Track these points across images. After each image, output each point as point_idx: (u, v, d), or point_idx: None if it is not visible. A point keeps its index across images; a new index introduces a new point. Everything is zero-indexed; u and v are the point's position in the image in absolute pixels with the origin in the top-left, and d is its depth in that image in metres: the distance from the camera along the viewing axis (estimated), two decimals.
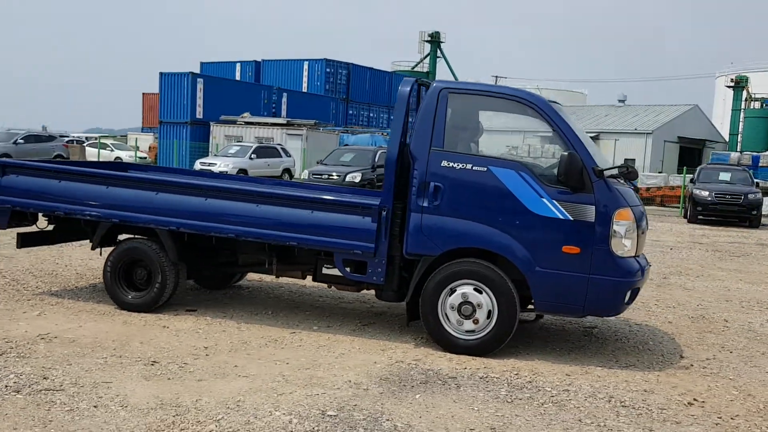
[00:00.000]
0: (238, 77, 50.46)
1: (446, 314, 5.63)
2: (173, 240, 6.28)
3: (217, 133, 36.64)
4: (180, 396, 4.43)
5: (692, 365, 5.77)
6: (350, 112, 50.51)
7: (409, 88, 5.85)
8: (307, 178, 20.00)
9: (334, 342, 5.83)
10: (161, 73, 39.29)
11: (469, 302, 5.56)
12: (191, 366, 5.00)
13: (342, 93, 49.97)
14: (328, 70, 49.25)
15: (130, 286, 6.46)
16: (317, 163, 21.82)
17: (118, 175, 6.50)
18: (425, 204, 5.66)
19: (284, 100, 43.51)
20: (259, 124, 35.95)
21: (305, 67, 49.91)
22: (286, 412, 4.24)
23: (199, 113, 38.42)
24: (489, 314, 5.54)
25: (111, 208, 6.32)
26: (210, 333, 5.87)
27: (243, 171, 26.19)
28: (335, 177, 19.23)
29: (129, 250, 6.44)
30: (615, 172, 5.66)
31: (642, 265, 5.68)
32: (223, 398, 4.42)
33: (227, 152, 28.30)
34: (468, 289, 5.56)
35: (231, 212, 6.08)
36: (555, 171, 5.50)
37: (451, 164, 5.62)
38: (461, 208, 5.61)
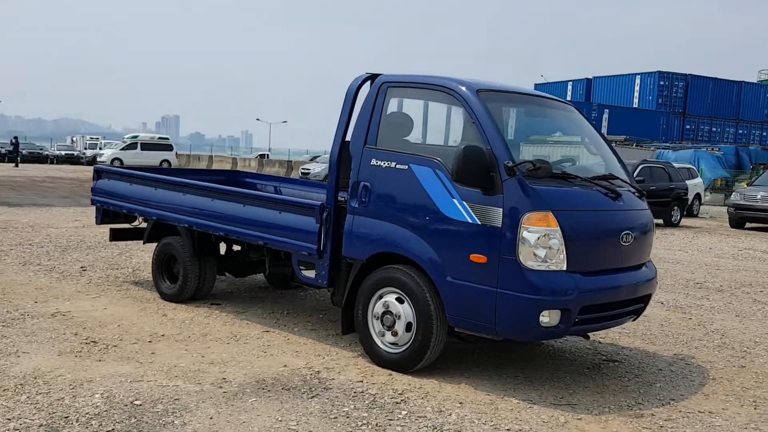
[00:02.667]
0: (569, 96, 49.85)
1: (374, 324, 5.24)
2: (189, 236, 6.79)
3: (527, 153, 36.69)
4: (59, 370, 4.83)
5: (653, 415, 4.55)
6: (687, 126, 46.71)
7: (358, 84, 5.58)
8: None
9: (279, 342, 5.77)
10: None
11: (390, 312, 5.10)
12: (115, 349, 5.39)
13: (678, 107, 46.44)
14: (661, 83, 46.34)
15: (170, 278, 7.10)
16: None
17: (157, 178, 7.21)
18: (356, 205, 5.35)
19: (605, 116, 41.93)
20: (566, 143, 35.10)
21: (637, 81, 47.62)
22: (104, 397, 4.37)
23: (510, 134, 38.92)
24: (409, 326, 5.01)
25: (154, 207, 7.06)
26: (191, 325, 6.19)
27: None
28: None
29: (165, 246, 7.11)
30: (557, 171, 4.78)
31: (585, 281, 4.65)
32: (87, 377, 4.68)
33: None
34: (391, 298, 5.10)
35: (220, 211, 6.38)
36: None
37: (378, 162, 5.25)
38: (385, 209, 5.19)
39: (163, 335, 5.82)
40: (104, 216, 7.83)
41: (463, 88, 4.98)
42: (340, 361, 5.32)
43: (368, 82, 5.58)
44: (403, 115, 5.50)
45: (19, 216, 13.72)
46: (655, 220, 17.37)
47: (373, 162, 5.25)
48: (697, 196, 24.05)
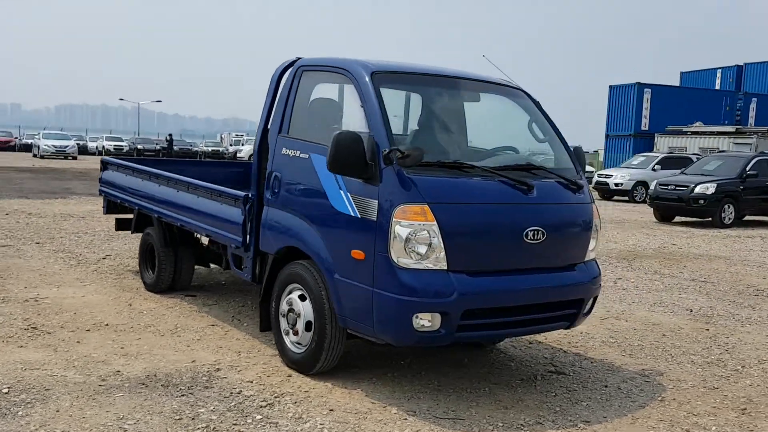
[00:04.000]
0: (717, 86, 46.46)
1: (281, 322, 4.99)
2: (160, 227, 6.82)
3: (661, 144, 34.72)
4: None
5: None
6: None
7: (281, 69, 5.33)
8: (653, 189, 17.81)
9: (214, 337, 5.63)
10: (611, 86, 39.02)
11: (292, 310, 4.83)
12: (47, 336, 5.45)
13: None
14: None
15: (152, 268, 7.16)
16: (680, 172, 19.14)
17: (141, 169, 7.27)
18: (269, 196, 5.12)
19: (752, 106, 38.66)
20: (704, 133, 32.82)
21: None
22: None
23: (645, 125, 37.00)
24: (308, 326, 4.71)
25: (137, 197, 7.16)
26: (145, 316, 6.19)
27: (642, 183, 24.54)
28: (681, 189, 16.74)
29: (146, 236, 7.18)
30: (449, 160, 4.33)
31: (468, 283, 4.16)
32: None
33: (631, 163, 26.77)
34: (295, 295, 4.83)
35: (177, 202, 6.35)
36: None
37: (287, 151, 4.99)
38: (291, 201, 4.93)
39: (107, 325, 5.85)
40: (110, 206, 8.03)
41: (358, 69, 4.60)
42: (252, 360, 5.11)
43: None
44: (328, 102, 5.19)
45: None
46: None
47: (284, 151, 5.00)
48: None
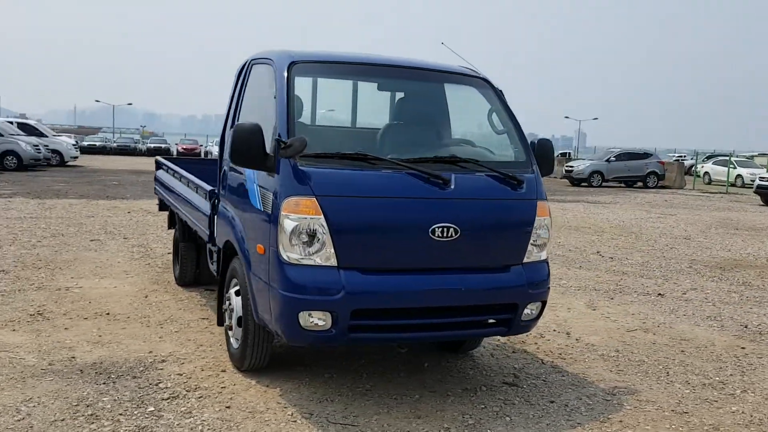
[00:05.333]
0: None
1: (225, 316, 5.00)
2: (179, 221, 7.08)
3: None
4: None
5: None
6: None
7: (241, 66, 5.33)
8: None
9: (192, 330, 5.74)
10: None
11: (231, 305, 4.84)
12: (44, 322, 5.81)
13: None
14: None
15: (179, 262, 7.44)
16: None
17: (166, 165, 7.57)
18: (220, 190, 5.16)
19: None
20: None
21: None
22: None
23: None
24: (240, 321, 4.70)
25: (170, 195, 7.50)
26: (149, 307, 6.45)
27: None
28: None
29: (175, 232, 7.48)
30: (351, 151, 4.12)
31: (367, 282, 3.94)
32: None
33: None
34: (232, 291, 4.83)
35: (183, 196, 6.56)
36: None
37: None
38: (231, 195, 4.93)
39: (107, 314, 6.15)
40: (162, 205, 8.45)
41: (280, 59, 4.49)
42: (205, 354, 5.16)
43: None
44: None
45: None
46: None
47: None
48: None
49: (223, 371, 4.78)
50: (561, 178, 32.74)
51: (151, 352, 5.15)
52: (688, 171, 39.55)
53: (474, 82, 4.87)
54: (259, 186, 4.26)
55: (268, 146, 4.10)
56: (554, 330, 6.20)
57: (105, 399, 4.21)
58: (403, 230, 4.02)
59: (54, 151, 29.64)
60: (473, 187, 4.21)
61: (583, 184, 30.58)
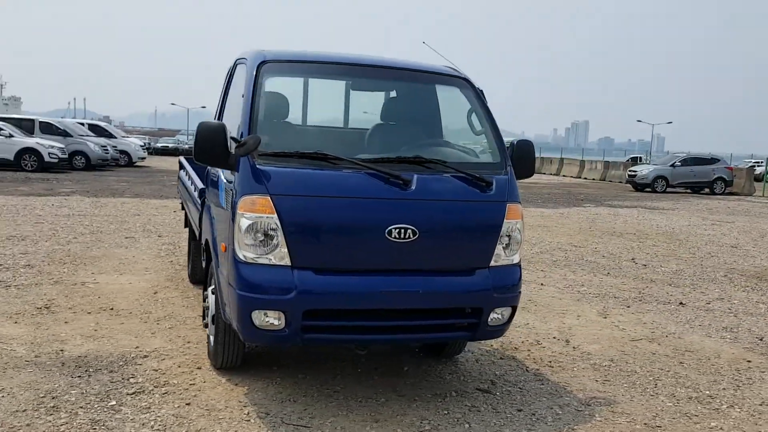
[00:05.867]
0: None
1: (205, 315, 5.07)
2: (188, 220, 7.21)
3: None
4: None
5: None
6: None
7: (230, 66, 5.39)
8: None
9: (185, 326, 5.84)
10: None
11: (207, 303, 4.90)
12: (47, 316, 6.01)
13: None
14: None
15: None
16: None
17: (184, 165, 7.72)
18: (204, 187, 5.23)
19: None
20: None
21: None
22: None
23: None
24: (213, 319, 4.76)
25: (181, 194, 7.65)
26: (154, 304, 6.59)
27: None
28: None
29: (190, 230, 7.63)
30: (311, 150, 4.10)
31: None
32: None
33: None
34: (209, 289, 4.89)
35: (187, 192, 6.67)
36: None
37: None
38: (210, 194, 4.99)
39: (111, 309, 6.31)
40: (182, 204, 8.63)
41: (252, 59, 4.52)
42: (189, 350, 5.23)
43: None
44: (275, 96, 5.16)
45: None
46: None
47: None
48: None
49: (199, 368, 4.84)
50: (624, 183, 31.91)
51: (137, 347, 5.26)
52: (760, 177, 37.98)
53: (453, 82, 4.79)
54: (226, 184, 4.30)
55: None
56: (554, 337, 6.04)
57: (73, 392, 4.31)
58: (359, 231, 3.98)
59: (122, 152, 30.70)
60: (436, 188, 4.14)
61: (646, 189, 29.76)
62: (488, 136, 4.57)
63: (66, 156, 25.01)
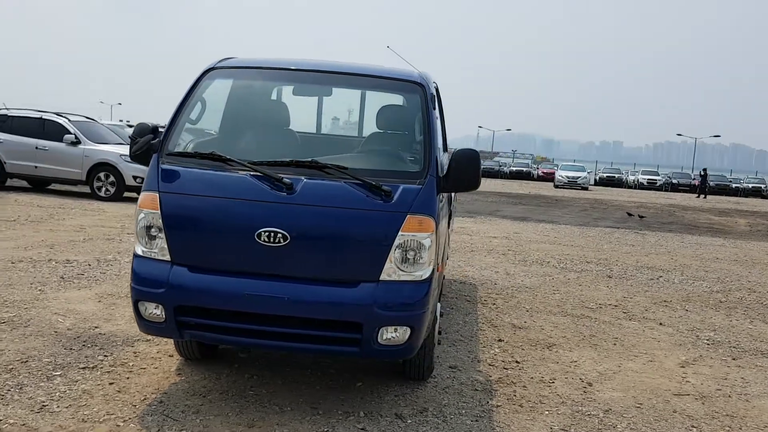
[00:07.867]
0: None
1: None
2: None
3: None
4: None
5: None
6: None
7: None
8: None
9: None
10: None
11: None
12: (121, 299, 6.83)
13: None
14: None
15: None
16: None
17: None
18: None
19: None
20: None
21: None
22: None
23: None
24: None
25: None
26: None
27: None
28: None
29: None
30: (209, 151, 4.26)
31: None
32: None
33: None
34: None
35: None
36: None
37: None
38: None
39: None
40: None
41: (210, 66, 4.76)
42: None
43: None
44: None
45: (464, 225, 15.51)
46: None
47: None
48: None
49: (171, 356, 5.14)
50: None
51: (124, 332, 5.68)
52: None
53: (402, 87, 4.57)
54: None
55: None
56: (580, 378, 5.29)
57: (44, 360, 4.88)
58: (230, 231, 4.01)
59: None
60: (322, 194, 4.00)
61: None
62: (422, 145, 4.28)
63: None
